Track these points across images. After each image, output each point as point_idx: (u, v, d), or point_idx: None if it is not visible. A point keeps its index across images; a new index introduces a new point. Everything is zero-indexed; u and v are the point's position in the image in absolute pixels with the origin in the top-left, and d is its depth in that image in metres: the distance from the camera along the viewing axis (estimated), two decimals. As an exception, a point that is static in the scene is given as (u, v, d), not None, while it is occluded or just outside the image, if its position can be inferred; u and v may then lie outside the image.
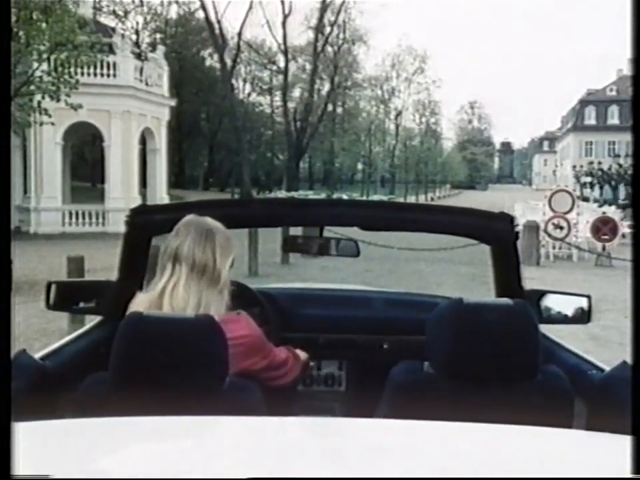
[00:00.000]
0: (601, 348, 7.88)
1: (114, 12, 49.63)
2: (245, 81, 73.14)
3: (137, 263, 2.99)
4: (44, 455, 1.34)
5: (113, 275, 3.01)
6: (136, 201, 20.76)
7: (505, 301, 2.24)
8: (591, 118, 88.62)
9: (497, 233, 2.89)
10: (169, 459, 1.33)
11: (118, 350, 2.05)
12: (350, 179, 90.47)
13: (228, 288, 2.44)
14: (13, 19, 13.70)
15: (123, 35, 31.52)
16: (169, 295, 2.38)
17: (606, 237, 18.45)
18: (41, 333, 8.68)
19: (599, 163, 60.26)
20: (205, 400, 1.92)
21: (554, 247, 19.37)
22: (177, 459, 1.32)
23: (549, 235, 18.96)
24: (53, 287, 3.19)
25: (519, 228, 3.08)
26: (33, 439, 1.38)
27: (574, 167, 67.39)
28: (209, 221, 2.47)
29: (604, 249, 18.37)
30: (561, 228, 18.90)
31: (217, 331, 2.08)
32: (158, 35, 63.59)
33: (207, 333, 2.08)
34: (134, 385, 1.97)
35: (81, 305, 3.34)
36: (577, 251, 19.08)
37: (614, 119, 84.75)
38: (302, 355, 2.83)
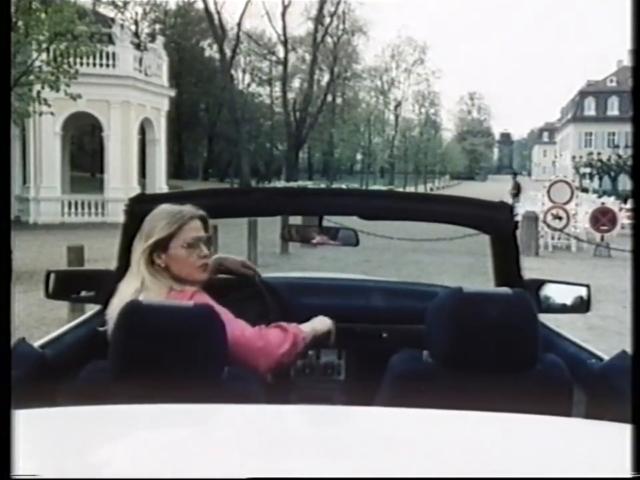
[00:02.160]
0: (599, 337, 7.91)
1: (113, 2, 49.39)
2: (244, 71, 73.10)
3: None
4: (44, 442, 1.35)
5: (112, 265, 3.00)
6: (135, 191, 20.71)
7: (505, 290, 2.25)
8: (590, 109, 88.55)
9: (497, 222, 2.89)
10: (168, 447, 1.34)
11: (117, 339, 2.07)
12: (349, 170, 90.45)
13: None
14: (13, 8, 13.68)
15: (122, 25, 31.39)
16: None
17: (605, 228, 18.46)
18: (40, 321, 8.71)
19: (599, 153, 60.27)
20: (203, 389, 1.92)
21: (553, 238, 19.38)
22: (177, 447, 1.33)
23: (548, 226, 18.96)
24: (52, 276, 3.19)
25: (518, 218, 3.09)
26: (32, 427, 1.39)
27: (573, 157, 67.33)
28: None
29: (602, 239, 18.41)
30: (560, 218, 18.91)
31: (215, 319, 2.09)
32: (157, 26, 63.46)
33: (206, 321, 2.09)
34: (133, 374, 1.97)
35: (80, 294, 3.35)
36: (575, 242, 19.09)
37: (614, 110, 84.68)
38: (301, 328, 2.71)
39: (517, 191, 32.60)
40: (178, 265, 2.59)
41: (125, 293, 2.53)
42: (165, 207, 2.66)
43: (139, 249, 2.60)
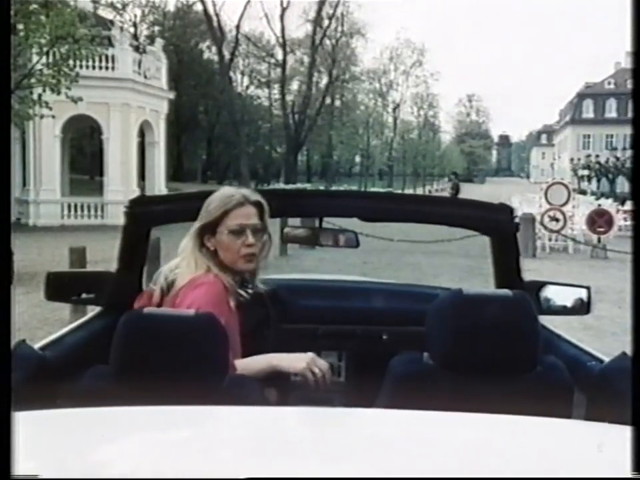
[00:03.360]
0: (594, 337, 7.97)
1: (112, 4, 49.33)
2: (243, 73, 72.95)
3: (137, 254, 2.98)
4: (44, 444, 1.35)
5: (113, 267, 3.02)
6: (134, 194, 20.73)
7: (505, 292, 2.24)
8: (588, 111, 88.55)
9: (497, 224, 2.89)
10: (168, 448, 1.34)
11: (118, 346, 2.05)
12: (348, 172, 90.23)
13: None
14: (13, 12, 13.73)
15: (121, 28, 31.40)
16: None
17: (601, 229, 18.52)
18: (43, 322, 8.76)
19: (597, 156, 60.27)
20: (204, 397, 1.86)
21: (550, 239, 19.44)
22: (176, 448, 1.33)
23: (545, 227, 19.01)
24: (53, 278, 3.20)
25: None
26: (32, 429, 1.38)
27: (571, 160, 67.21)
28: None
29: (599, 241, 18.48)
30: (557, 220, 18.96)
31: (216, 327, 2.09)
32: (156, 28, 63.35)
33: (207, 329, 2.09)
34: (134, 381, 1.95)
35: (81, 295, 3.32)
36: (572, 243, 19.16)
37: (612, 112, 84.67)
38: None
39: (455, 191, 32.72)
40: (223, 251, 2.57)
41: (167, 266, 2.60)
42: (222, 190, 2.65)
43: (192, 229, 2.61)
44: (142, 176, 30.01)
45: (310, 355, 2.46)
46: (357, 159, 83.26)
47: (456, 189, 33.12)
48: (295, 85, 74.41)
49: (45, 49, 15.72)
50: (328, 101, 72.44)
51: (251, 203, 2.59)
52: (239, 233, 2.55)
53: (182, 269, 2.58)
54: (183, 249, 2.62)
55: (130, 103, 27.50)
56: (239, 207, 2.56)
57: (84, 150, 48.15)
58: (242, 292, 2.63)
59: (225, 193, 2.61)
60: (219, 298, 2.49)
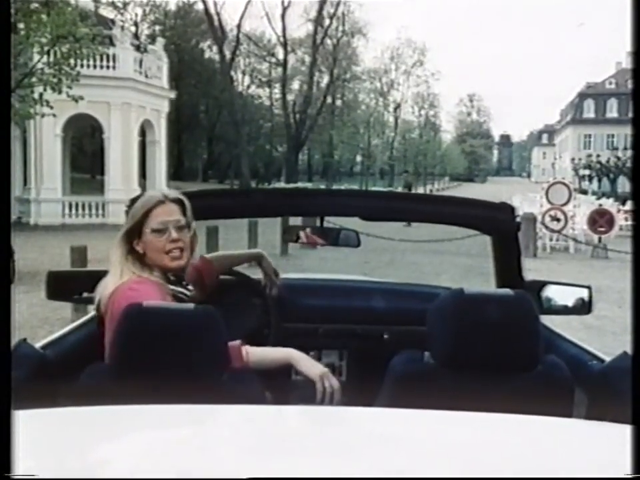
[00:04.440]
0: (594, 337, 7.98)
1: (113, 3, 49.34)
2: (244, 73, 72.93)
3: None
4: (43, 442, 1.35)
5: None
6: (135, 193, 20.72)
7: (506, 291, 2.24)
8: (589, 111, 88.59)
9: (498, 223, 2.89)
10: (168, 447, 1.34)
11: (117, 341, 2.06)
12: (349, 171, 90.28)
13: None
14: (13, 11, 13.73)
15: (122, 27, 31.43)
16: None
17: (602, 229, 18.53)
18: (44, 321, 8.77)
19: (598, 155, 60.24)
20: (204, 391, 1.90)
21: (551, 239, 19.45)
22: (176, 447, 1.33)
23: (546, 227, 19.03)
24: (54, 277, 3.22)
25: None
26: (32, 427, 1.38)
27: (573, 159, 67.29)
28: None
29: (600, 240, 18.48)
30: (558, 220, 18.97)
31: (216, 321, 2.09)
32: (157, 27, 63.32)
33: (206, 323, 2.09)
34: (133, 377, 1.96)
35: (82, 294, 3.29)
36: (573, 243, 19.17)
37: (613, 112, 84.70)
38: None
39: (408, 189, 32.82)
40: (150, 252, 2.56)
41: (104, 281, 2.57)
42: (145, 193, 2.67)
43: (117, 236, 2.62)
44: (143, 175, 30.02)
45: (326, 369, 2.44)
46: (358, 158, 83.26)
47: (408, 187, 33.16)
48: (295, 85, 74.50)
49: (45, 48, 15.70)
50: (329, 100, 72.45)
51: (171, 200, 2.60)
52: (161, 231, 2.55)
53: (107, 279, 2.56)
54: (110, 260, 2.61)
55: (131, 102, 27.51)
56: (160, 205, 2.57)
57: (85, 149, 48.16)
58: (182, 290, 2.61)
59: (146, 195, 2.64)
60: (149, 293, 2.42)
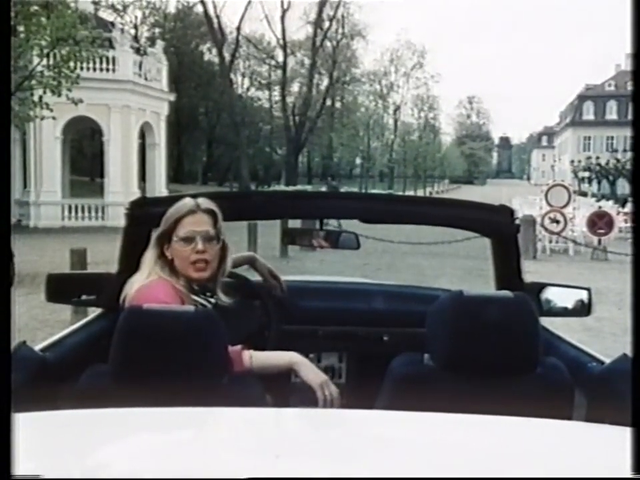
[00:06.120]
0: (594, 338, 7.99)
1: (112, 6, 49.41)
2: (243, 75, 72.99)
3: (137, 255, 2.92)
4: (44, 445, 1.34)
5: (114, 269, 3.03)
6: (135, 195, 20.77)
7: (506, 293, 2.24)
8: (589, 113, 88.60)
9: (497, 225, 2.89)
10: (168, 449, 1.34)
11: (118, 343, 2.05)
12: (348, 174, 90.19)
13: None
14: (13, 13, 13.74)
15: (122, 30, 31.44)
16: None
17: (602, 231, 18.55)
18: (44, 323, 8.78)
19: (597, 157, 60.21)
20: (204, 393, 1.90)
21: (550, 241, 19.46)
22: (176, 449, 1.33)
23: (546, 229, 19.04)
24: (53, 280, 3.21)
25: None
26: (32, 430, 1.38)
27: (572, 161, 67.17)
28: None
29: (599, 242, 18.49)
30: (557, 222, 18.98)
31: (216, 324, 2.09)
32: (157, 30, 63.32)
33: (206, 326, 2.09)
34: (133, 379, 1.96)
35: (81, 297, 3.34)
36: (573, 245, 19.18)
37: (612, 114, 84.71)
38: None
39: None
40: (177, 259, 2.59)
41: (132, 279, 2.62)
42: (180, 200, 2.67)
43: (152, 238, 2.66)
44: (142, 177, 30.07)
45: (326, 377, 2.45)
46: (358, 160, 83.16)
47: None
48: (295, 87, 74.52)
49: (45, 51, 15.73)
50: (328, 102, 72.52)
51: (203, 210, 2.60)
52: (189, 240, 2.56)
53: (135, 278, 2.62)
54: (143, 260, 2.66)
55: (130, 104, 27.55)
56: (190, 215, 2.58)
57: (84, 151, 48.18)
58: (200, 300, 2.61)
59: (180, 202, 2.64)
60: (166, 296, 2.47)
